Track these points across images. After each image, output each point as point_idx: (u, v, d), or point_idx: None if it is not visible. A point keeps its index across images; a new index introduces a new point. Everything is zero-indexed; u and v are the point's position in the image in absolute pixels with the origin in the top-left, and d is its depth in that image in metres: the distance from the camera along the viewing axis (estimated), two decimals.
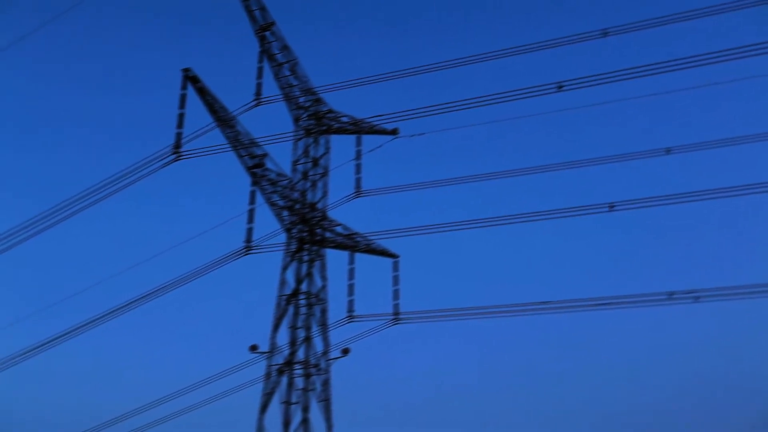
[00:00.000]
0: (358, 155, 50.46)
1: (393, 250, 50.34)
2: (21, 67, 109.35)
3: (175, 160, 40.48)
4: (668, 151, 44.54)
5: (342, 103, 48.22)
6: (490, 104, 42.94)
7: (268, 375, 41.71)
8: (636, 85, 42.25)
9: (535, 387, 77.78)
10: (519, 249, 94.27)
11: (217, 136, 41.98)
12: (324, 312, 44.03)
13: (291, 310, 42.69)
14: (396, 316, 47.89)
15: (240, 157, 43.14)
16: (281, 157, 45.30)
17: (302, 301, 43.15)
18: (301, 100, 46.72)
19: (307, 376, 41.84)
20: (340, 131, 47.80)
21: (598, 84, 41.07)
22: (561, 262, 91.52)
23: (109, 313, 41.98)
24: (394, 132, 47.97)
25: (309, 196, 45.27)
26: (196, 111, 41.58)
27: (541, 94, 42.09)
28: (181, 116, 41.13)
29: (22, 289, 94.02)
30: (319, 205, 45.59)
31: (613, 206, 43.99)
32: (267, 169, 43.79)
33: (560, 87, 41.51)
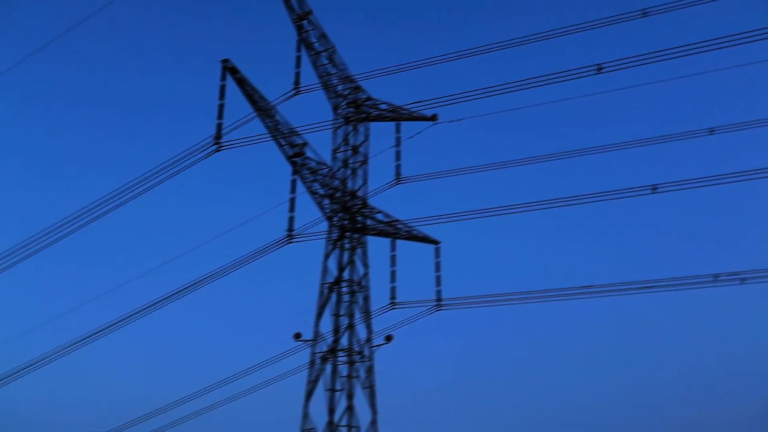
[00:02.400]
0: (398, 142, 50.48)
1: (434, 236, 50.35)
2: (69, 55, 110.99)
3: (217, 150, 40.75)
4: (712, 131, 43.94)
5: (380, 90, 48.30)
6: (530, 88, 42.66)
7: (312, 362, 41.96)
8: (678, 65, 41.77)
9: (578, 370, 77.52)
10: (561, 233, 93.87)
11: (257, 126, 42.23)
12: (366, 299, 44.16)
13: (334, 297, 42.88)
14: (438, 303, 47.91)
15: (280, 146, 43.32)
16: (321, 146, 45.54)
17: (345, 289, 43.32)
18: (340, 88, 46.76)
19: (351, 363, 42.03)
20: (379, 118, 47.75)
21: (638, 65, 40.57)
22: (604, 246, 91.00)
23: (154, 304, 42.46)
24: (433, 118, 47.83)
25: (349, 184, 45.36)
26: (236, 101, 41.86)
27: (581, 77, 41.71)
28: (221, 107, 41.36)
29: (66, 282, 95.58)
30: (360, 193, 45.67)
31: (656, 188, 43.54)
32: (307, 158, 43.94)
33: (600, 69, 41.08)
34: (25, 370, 43.12)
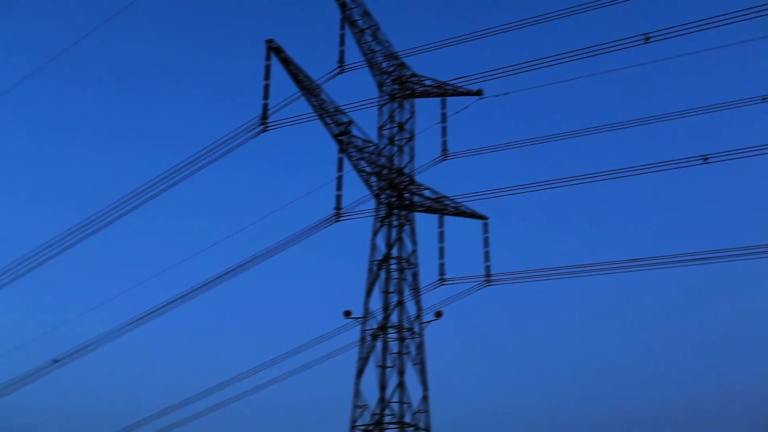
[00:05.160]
0: (443, 118, 50.23)
1: (482, 211, 50.11)
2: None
3: (263, 131, 40.97)
4: (765, 99, 43.03)
5: (425, 66, 47.96)
6: (575, 60, 42.16)
7: (362, 340, 42.20)
8: (726, 33, 40.94)
9: (630, 344, 76.97)
10: (610, 205, 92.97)
11: (303, 106, 42.32)
12: (415, 276, 44.21)
13: (383, 275, 43.00)
14: (487, 278, 47.78)
15: (326, 125, 43.40)
16: (367, 124, 45.41)
17: (393, 266, 43.39)
18: (384, 65, 46.63)
19: (401, 339, 42.17)
20: (425, 95, 47.57)
21: (686, 33, 39.83)
22: (654, 218, 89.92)
23: (204, 285, 42.93)
24: (478, 93, 47.48)
25: (396, 161, 45.34)
26: (282, 81, 41.97)
27: (628, 47, 41.09)
28: (266, 87, 41.55)
29: (110, 268, 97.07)
30: (407, 170, 45.61)
31: (707, 158, 42.84)
32: (353, 136, 43.98)
33: (647, 39, 40.43)
34: (91, 347, 43.93)
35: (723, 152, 42.62)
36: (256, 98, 41.45)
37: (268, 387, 44.80)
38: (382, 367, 41.18)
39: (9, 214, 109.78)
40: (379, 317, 42.27)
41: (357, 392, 41.25)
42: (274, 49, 41.84)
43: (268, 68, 41.66)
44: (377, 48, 45.71)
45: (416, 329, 43.10)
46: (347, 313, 42.57)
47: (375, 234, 44.03)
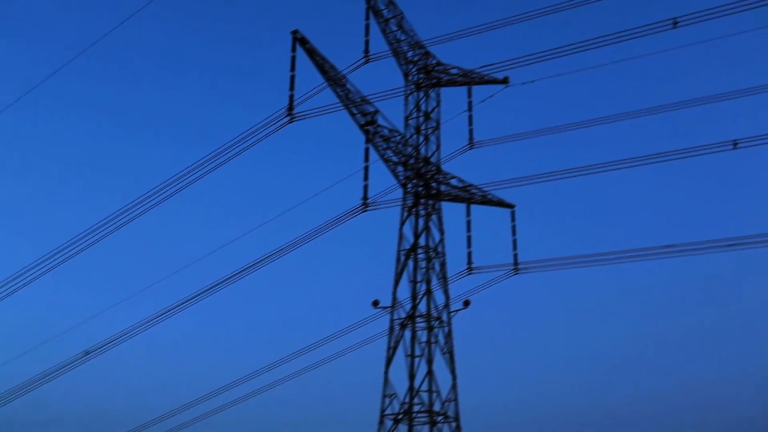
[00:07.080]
0: (470, 106, 50.08)
1: (509, 199, 49.99)
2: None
3: (290, 122, 41.01)
4: None
5: (450, 54, 47.82)
6: (602, 47, 41.86)
7: (391, 329, 42.28)
8: (755, 16, 40.49)
9: (659, 333, 76.55)
10: (638, 192, 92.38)
11: (329, 96, 42.34)
12: (443, 265, 44.21)
13: (411, 264, 43.04)
14: (515, 267, 47.70)
15: (352, 115, 43.39)
16: (393, 113, 45.34)
17: (421, 255, 43.41)
18: (410, 54, 46.56)
19: (429, 329, 42.20)
20: (450, 83, 47.46)
21: (715, 18, 39.42)
22: (683, 204, 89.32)
23: (231, 276, 43.06)
24: (504, 81, 47.34)
25: (422, 151, 45.29)
26: (307, 72, 42.01)
27: (656, 32, 40.71)
28: (292, 78, 41.53)
29: (140, 259, 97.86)
30: (433, 159, 45.57)
31: (736, 144, 42.42)
32: (379, 126, 43.95)
33: (675, 24, 40.05)
34: (115, 341, 44.28)
35: (753, 137, 42.19)
36: (282, 89, 41.54)
37: (296, 378, 45.03)
38: (411, 356, 41.26)
39: (38, 205, 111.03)
40: (408, 307, 42.35)
41: (386, 381, 41.38)
42: (299, 39, 41.87)
43: (293, 59, 41.66)
44: (402, 37, 45.66)
45: (444, 318, 43.15)
46: (375, 303, 42.69)
47: (402, 223, 44.09)
